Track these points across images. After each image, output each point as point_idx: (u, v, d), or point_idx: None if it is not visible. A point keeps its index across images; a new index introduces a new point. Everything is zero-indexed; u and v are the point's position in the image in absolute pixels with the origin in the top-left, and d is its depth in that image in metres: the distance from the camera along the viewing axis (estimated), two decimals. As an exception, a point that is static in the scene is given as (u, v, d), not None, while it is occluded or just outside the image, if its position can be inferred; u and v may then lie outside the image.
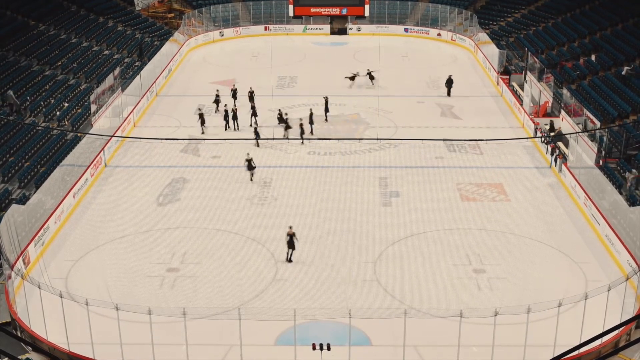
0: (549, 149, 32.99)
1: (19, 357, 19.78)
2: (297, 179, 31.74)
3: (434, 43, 55.64)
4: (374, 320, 20.58)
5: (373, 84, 43.77)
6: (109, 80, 38.34)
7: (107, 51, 48.64)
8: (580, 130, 32.41)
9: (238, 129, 36.92)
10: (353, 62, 50.07)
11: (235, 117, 36.98)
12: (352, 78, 44.41)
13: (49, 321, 20.43)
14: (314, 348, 18.35)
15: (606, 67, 41.70)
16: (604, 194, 27.14)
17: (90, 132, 33.31)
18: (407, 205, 29.30)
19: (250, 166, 31.07)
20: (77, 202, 29.12)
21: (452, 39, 55.23)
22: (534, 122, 36.08)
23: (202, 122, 36.51)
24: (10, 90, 36.97)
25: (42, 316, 20.38)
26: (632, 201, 28.21)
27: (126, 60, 48.62)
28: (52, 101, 38.74)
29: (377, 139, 33.72)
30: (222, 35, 56.37)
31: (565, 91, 38.33)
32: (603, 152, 31.73)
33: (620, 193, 28.12)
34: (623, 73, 39.60)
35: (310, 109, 36.98)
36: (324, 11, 55.65)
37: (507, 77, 43.88)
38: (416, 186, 30.85)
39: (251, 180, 31.00)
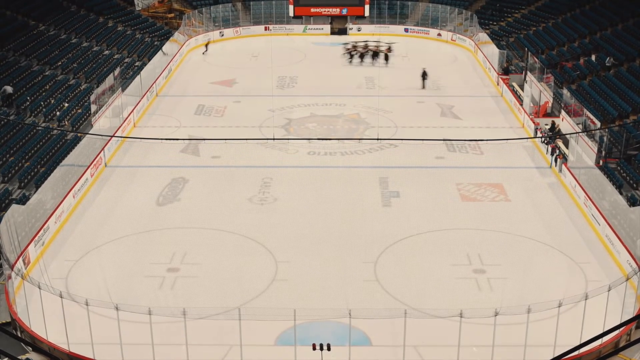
0: (549, 149, 32.99)
1: (19, 357, 19.78)
2: (297, 179, 31.72)
3: (434, 43, 55.63)
4: (374, 320, 20.57)
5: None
6: (109, 80, 38.32)
7: (107, 51, 48.64)
8: (580, 130, 32.42)
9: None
10: (353, 62, 50.07)
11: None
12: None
13: (49, 321, 20.42)
14: (314, 348, 18.34)
15: (606, 67, 41.71)
16: (604, 194, 27.14)
17: (90, 132, 33.29)
18: (407, 205, 29.29)
19: None
20: (77, 202, 29.12)
21: (452, 39, 55.23)
22: (534, 122, 36.09)
23: None
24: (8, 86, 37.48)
25: (42, 316, 20.37)
26: (632, 201, 28.22)
27: (126, 60, 48.62)
28: (52, 101, 38.76)
29: (377, 139, 33.73)
30: (222, 35, 56.37)
31: (565, 91, 38.33)
32: (603, 152, 31.73)
33: (620, 193, 28.13)
34: (607, 63, 41.06)
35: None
36: (324, 11, 55.66)
37: (507, 77, 43.89)
38: (416, 186, 30.84)
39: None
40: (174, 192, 30.41)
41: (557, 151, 32.54)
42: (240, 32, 57.06)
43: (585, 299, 19.81)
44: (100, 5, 54.45)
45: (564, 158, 31.73)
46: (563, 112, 35.94)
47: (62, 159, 30.46)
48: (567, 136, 32.63)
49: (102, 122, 35.07)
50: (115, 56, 48.48)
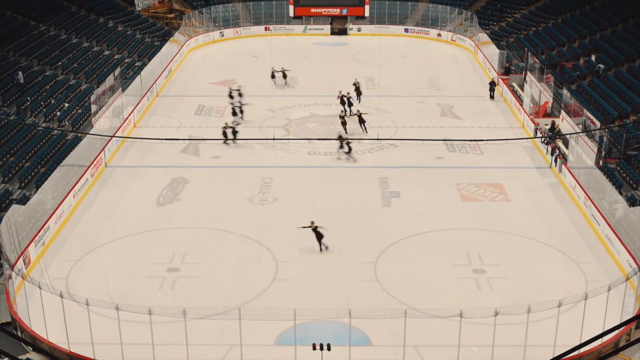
0: (549, 149, 33.00)
1: (19, 357, 19.79)
2: (297, 179, 31.74)
3: (434, 43, 55.63)
4: (374, 320, 20.59)
5: (286, 83, 43.99)
6: (110, 80, 38.34)
7: (107, 51, 48.65)
8: (580, 130, 32.43)
9: None
10: (353, 63, 50.14)
11: None
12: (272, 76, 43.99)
13: (49, 321, 20.45)
14: (314, 348, 18.36)
15: (606, 67, 41.71)
16: (604, 194, 27.15)
17: (90, 132, 33.32)
18: (408, 205, 29.31)
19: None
20: (77, 202, 29.14)
21: (452, 40, 55.24)
22: (534, 122, 36.09)
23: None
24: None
25: (43, 316, 20.40)
26: (632, 201, 28.22)
27: (126, 60, 48.63)
28: (53, 101, 38.77)
29: (377, 139, 33.72)
30: (222, 35, 56.39)
31: (565, 91, 38.34)
32: (603, 152, 31.74)
33: (620, 193, 28.14)
34: (597, 70, 41.40)
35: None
36: (324, 11, 55.65)
37: (507, 77, 43.89)
38: (416, 186, 30.85)
39: None
40: (174, 192, 30.42)
41: (557, 151, 32.55)
42: (240, 32, 57.08)
43: (585, 299, 19.84)
44: (100, 6, 54.45)
45: (564, 158, 31.74)
46: (563, 112, 35.94)
47: (63, 159, 30.48)
48: (567, 136, 32.63)
49: (102, 123, 35.09)
50: (116, 56, 48.48)
